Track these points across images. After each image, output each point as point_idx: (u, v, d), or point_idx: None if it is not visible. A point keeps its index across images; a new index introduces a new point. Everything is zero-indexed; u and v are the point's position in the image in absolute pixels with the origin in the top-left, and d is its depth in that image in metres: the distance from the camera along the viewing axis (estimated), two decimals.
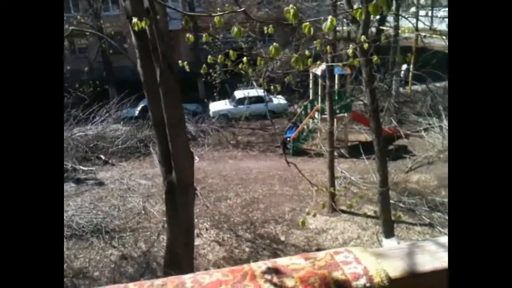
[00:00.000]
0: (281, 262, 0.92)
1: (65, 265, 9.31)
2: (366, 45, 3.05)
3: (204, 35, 2.66)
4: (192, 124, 16.56)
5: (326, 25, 1.59)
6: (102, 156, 14.78)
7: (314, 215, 9.17)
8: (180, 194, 5.76)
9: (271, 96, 18.76)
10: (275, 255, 9.20)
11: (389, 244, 8.58)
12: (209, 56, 3.31)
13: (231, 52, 3.25)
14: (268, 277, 0.86)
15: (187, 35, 2.48)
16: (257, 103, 18.68)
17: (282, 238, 9.97)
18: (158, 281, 0.85)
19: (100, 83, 12.45)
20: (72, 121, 15.25)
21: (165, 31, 4.75)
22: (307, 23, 1.67)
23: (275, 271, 0.88)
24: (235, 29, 1.82)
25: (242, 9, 1.86)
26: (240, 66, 3.51)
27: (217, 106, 19.11)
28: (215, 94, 18.42)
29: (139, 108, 17.36)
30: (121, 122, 16.62)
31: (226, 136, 17.14)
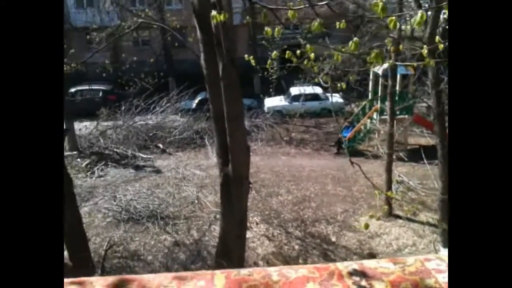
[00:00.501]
0: (368, 264, 0.89)
1: (121, 247, 9.81)
2: (441, 46, 2.88)
3: (267, 29, 2.64)
4: (247, 119, 16.73)
5: (415, 21, 1.52)
6: (160, 145, 15.37)
7: (378, 219, 8.91)
8: (235, 186, 5.84)
9: (327, 94, 18.47)
10: (325, 255, 9.08)
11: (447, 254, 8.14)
12: (274, 52, 3.30)
13: (297, 50, 3.22)
14: (357, 278, 0.83)
15: (266, 28, 2.47)
16: (312, 100, 18.47)
17: (333, 239, 9.80)
18: (244, 271, 0.86)
19: (161, 75, 12.94)
20: (134, 110, 16.00)
21: (230, 26, 4.79)
22: (393, 17, 1.60)
23: (363, 273, 0.85)
24: (316, 23, 1.79)
25: (325, 2, 1.82)
26: (305, 62, 3.47)
27: (272, 102, 19.14)
28: (270, 89, 18.46)
29: (196, 101, 17.84)
30: (179, 114, 17.19)
31: (280, 132, 17.12)
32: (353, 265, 0.90)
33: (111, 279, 0.83)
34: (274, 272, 0.88)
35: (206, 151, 14.76)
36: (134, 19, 7.00)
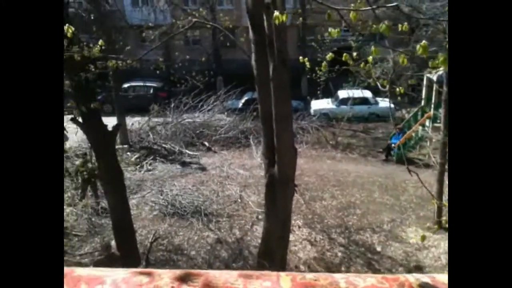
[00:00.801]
0: (441, 278, 0.84)
1: (166, 240, 10.08)
2: None
3: (331, 30, 2.59)
4: (293, 121, 16.63)
5: None
6: (206, 143, 15.66)
7: (436, 230, 8.53)
8: (280, 188, 5.83)
9: (377, 99, 17.98)
10: (369, 265, 8.83)
11: None
12: (330, 54, 3.23)
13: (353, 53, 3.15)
14: None
15: (330, 29, 2.43)
16: (361, 104, 18.04)
17: (378, 249, 9.50)
18: (310, 275, 0.84)
19: (210, 74, 13.18)
20: (183, 107, 16.42)
21: (283, 27, 4.78)
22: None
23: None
24: (383, 25, 1.74)
25: (395, 4, 1.75)
26: (361, 65, 3.38)
27: (319, 104, 18.90)
28: (318, 92, 18.24)
29: (243, 100, 18.02)
30: (225, 113, 17.43)
31: (326, 135, 16.88)
32: (424, 278, 0.85)
33: (178, 272, 0.83)
34: (341, 279, 0.85)
35: (251, 151, 14.86)
36: (188, 18, 7.16)
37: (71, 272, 0.80)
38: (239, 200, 11.67)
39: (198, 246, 9.86)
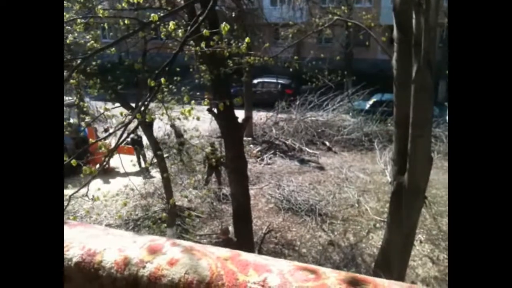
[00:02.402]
0: None
1: (278, 234, 10.28)
2: None
3: None
4: None
5: None
6: (327, 143, 15.48)
7: None
8: (408, 198, 5.43)
9: None
10: None
11: None
12: None
13: None
14: None
15: None
16: None
17: None
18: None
19: (339, 73, 12.91)
20: (308, 105, 16.49)
21: (433, 25, 4.39)
22: None
23: None
24: None
25: None
26: None
27: None
28: None
29: (371, 102, 17.30)
30: (350, 113, 16.96)
31: None
32: None
33: (343, 274, 0.79)
34: None
35: (374, 155, 14.20)
36: (329, 16, 7.10)
37: (237, 255, 0.81)
38: (356, 205, 11.28)
39: (310, 245, 9.82)
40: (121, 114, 3.96)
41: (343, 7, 8.21)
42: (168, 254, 0.81)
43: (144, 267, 0.79)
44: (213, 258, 0.81)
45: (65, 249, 0.86)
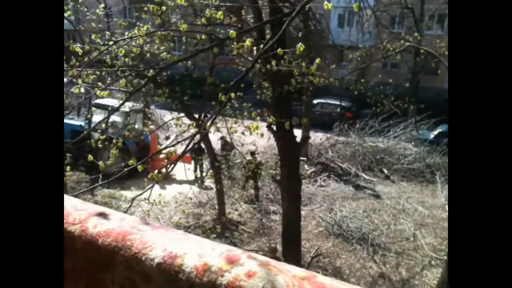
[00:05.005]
0: None
1: (327, 259, 10.00)
2: None
3: None
4: None
5: None
6: (385, 170, 14.94)
7: None
8: None
9: None
10: None
11: None
12: None
13: None
14: None
15: None
16: None
17: None
18: None
19: (404, 100, 12.47)
20: (367, 130, 16.08)
21: None
22: None
23: None
24: None
25: None
26: None
27: None
28: None
29: (435, 132, 16.53)
30: (413, 143, 16.27)
31: None
32: None
33: None
34: None
35: (435, 188, 13.48)
36: (400, 41, 6.95)
37: (313, 277, 0.79)
38: (412, 239, 10.71)
39: (359, 275, 9.45)
40: (191, 125, 4.11)
41: (415, 34, 7.99)
42: (246, 266, 0.82)
43: (222, 276, 0.80)
44: (289, 275, 0.80)
45: (148, 250, 0.90)
